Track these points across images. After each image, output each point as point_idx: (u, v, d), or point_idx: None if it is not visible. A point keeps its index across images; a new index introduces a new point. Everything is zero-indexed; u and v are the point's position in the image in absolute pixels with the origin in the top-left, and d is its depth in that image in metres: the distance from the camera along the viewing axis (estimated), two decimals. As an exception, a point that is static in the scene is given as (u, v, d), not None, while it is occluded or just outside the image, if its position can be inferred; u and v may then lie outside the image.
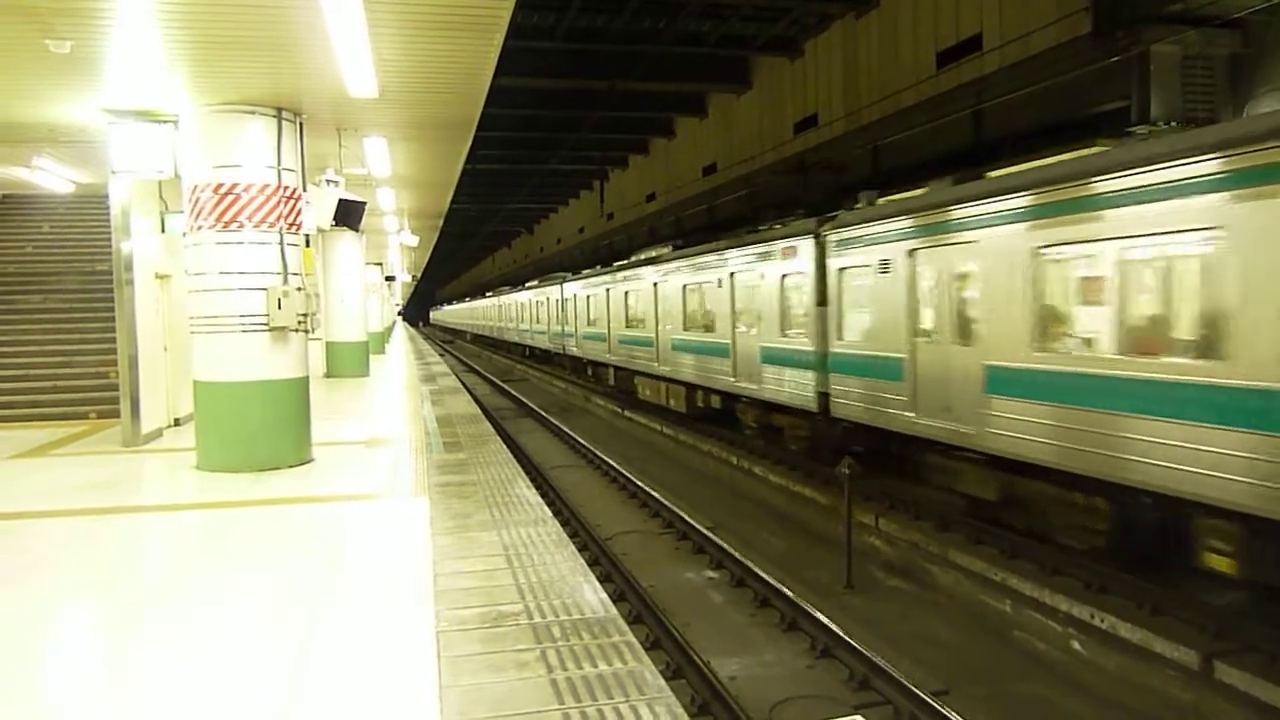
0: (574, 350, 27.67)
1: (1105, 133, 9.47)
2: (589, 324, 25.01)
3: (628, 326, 20.67)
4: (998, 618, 7.87)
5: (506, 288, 47.65)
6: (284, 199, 8.74)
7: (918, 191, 9.99)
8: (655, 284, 18.27)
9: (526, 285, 38.75)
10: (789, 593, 7.93)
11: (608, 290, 22.54)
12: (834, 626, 7.09)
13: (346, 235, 19.28)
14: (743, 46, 19.80)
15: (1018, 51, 12.71)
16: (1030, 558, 8.19)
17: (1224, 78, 10.20)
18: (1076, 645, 7.05)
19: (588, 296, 25.16)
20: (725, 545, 9.50)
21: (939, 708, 5.71)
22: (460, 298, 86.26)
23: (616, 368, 22.39)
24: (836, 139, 18.01)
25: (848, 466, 8.85)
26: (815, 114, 19.02)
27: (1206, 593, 6.93)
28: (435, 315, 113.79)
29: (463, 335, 77.93)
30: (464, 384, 23.65)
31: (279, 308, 8.65)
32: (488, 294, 57.34)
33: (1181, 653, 6.34)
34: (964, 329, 8.78)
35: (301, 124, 8.98)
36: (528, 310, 37.80)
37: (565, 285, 28.65)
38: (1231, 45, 10.10)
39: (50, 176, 12.10)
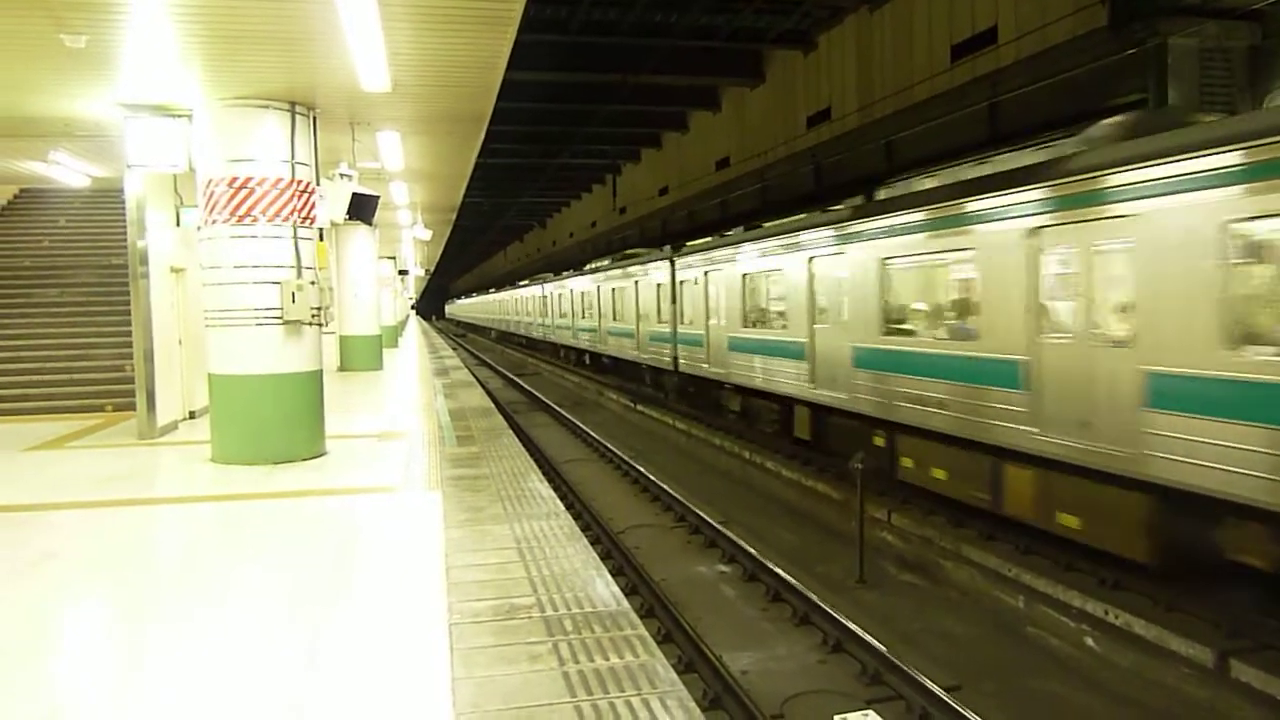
0: (701, 368, 16.76)
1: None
2: (750, 322, 14.46)
3: (890, 331, 10.30)
4: (1011, 614, 7.84)
5: (548, 275, 37.20)
6: (297, 193, 8.77)
7: None
8: (1038, 227, 7.84)
9: (590, 268, 27.89)
10: (801, 587, 7.92)
11: (811, 260, 12.03)
12: (846, 621, 7.08)
13: (360, 229, 19.33)
14: (755, 40, 19.77)
15: (1034, 44, 12.64)
16: (1044, 554, 8.16)
17: (1242, 70, 10.12)
18: (1090, 642, 7.02)
19: (744, 275, 14.58)
20: (737, 539, 9.49)
21: (951, 703, 5.70)
22: (482, 289, 77.32)
23: (823, 410, 12.03)
24: (850, 133, 17.95)
25: (860, 461, 8.83)
26: (829, 107, 18.96)
27: (1222, 590, 6.88)
28: (450, 309, 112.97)
29: (484, 332, 68.81)
30: (476, 377, 23.70)
31: (293, 301, 8.68)
32: (520, 284, 46.91)
33: (1196, 650, 6.30)
34: None
35: (315, 118, 9.00)
36: (595, 303, 26.16)
37: (682, 259, 17.91)
38: (1250, 37, 10.01)
39: (66, 171, 12.18)
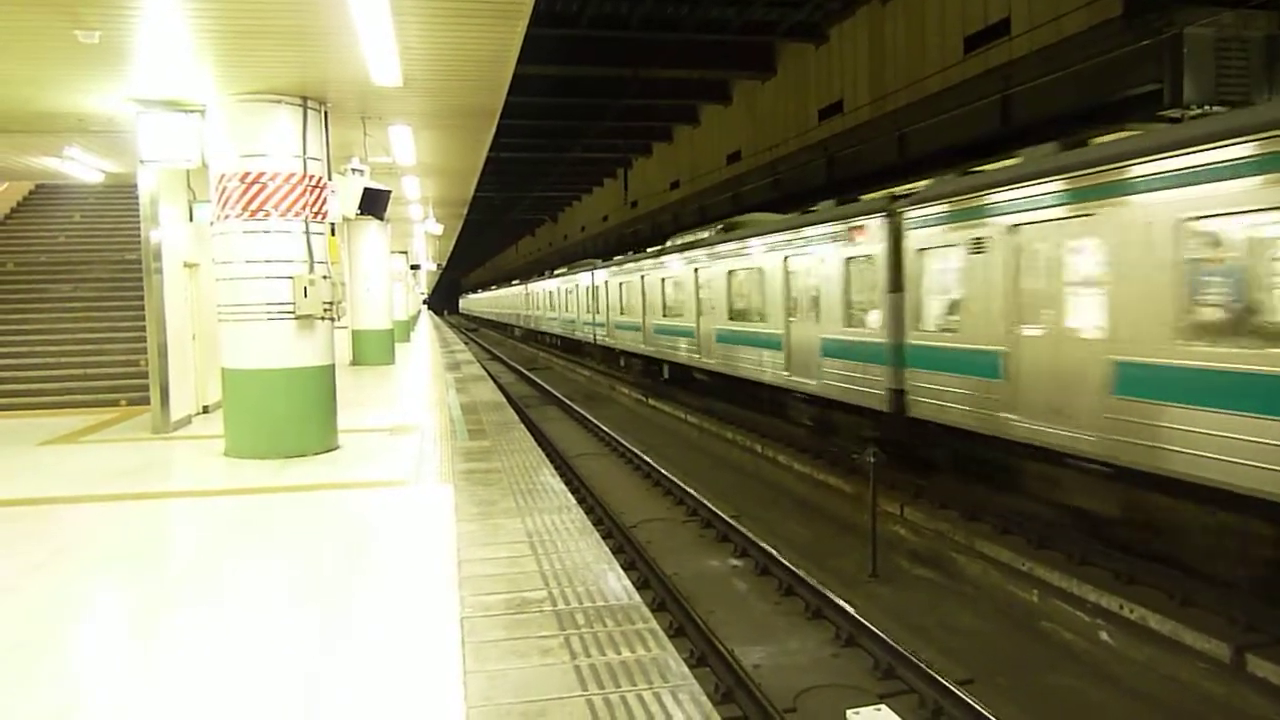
0: (995, 419, 8.64)
1: (1137, 117, 9.33)
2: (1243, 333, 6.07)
3: None
4: (1025, 608, 7.81)
5: (595, 260, 29.01)
6: (310, 188, 8.79)
7: None
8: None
9: (677, 243, 19.22)
10: (814, 581, 7.90)
11: None
12: (859, 615, 7.06)
13: (372, 224, 19.39)
14: (767, 32, 19.70)
15: (1047, 36, 12.53)
16: (1058, 548, 8.12)
17: (1260, 60, 10.00)
18: (1105, 636, 6.98)
19: (1179, 223, 6.40)
20: (749, 533, 9.48)
21: (965, 697, 5.68)
22: (503, 280, 70.02)
23: None
24: (862, 125, 17.87)
25: (872, 455, 8.80)
26: (840, 100, 18.89)
27: (1238, 583, 6.83)
28: (464, 304, 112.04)
29: (507, 329, 60.32)
30: (488, 372, 23.72)
31: (305, 296, 8.71)
32: (556, 272, 36.43)
33: (1212, 645, 6.26)
34: None
35: (327, 113, 9.02)
36: (692, 294, 17.90)
37: (922, 212, 9.89)
38: (1267, 27, 9.89)
39: (80, 166, 12.24)
